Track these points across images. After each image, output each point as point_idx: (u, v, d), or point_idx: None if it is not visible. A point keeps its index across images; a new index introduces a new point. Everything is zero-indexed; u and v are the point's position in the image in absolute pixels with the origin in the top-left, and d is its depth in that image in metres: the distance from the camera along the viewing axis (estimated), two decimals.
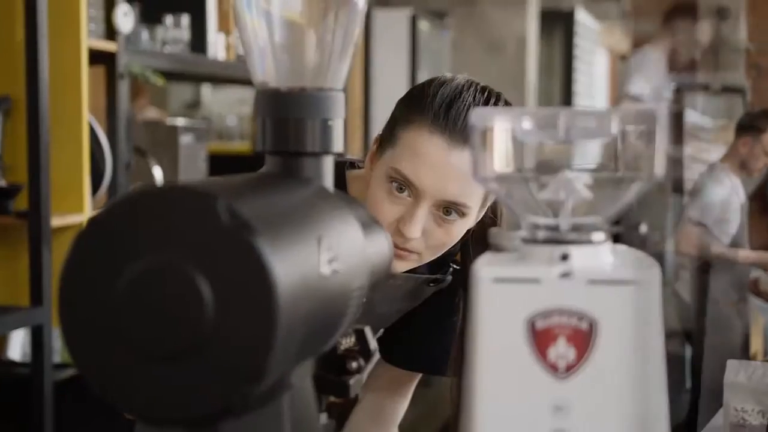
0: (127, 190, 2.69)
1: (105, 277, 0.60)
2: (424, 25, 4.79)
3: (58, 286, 0.62)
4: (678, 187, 4.51)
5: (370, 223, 0.82)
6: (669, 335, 4.05)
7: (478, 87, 1.24)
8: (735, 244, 4.05)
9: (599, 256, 0.68)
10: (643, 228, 3.75)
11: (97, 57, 2.56)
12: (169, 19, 2.97)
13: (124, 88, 2.62)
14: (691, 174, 4.46)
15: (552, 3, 6.51)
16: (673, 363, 4.53)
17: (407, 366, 1.46)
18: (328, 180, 0.79)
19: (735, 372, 1.96)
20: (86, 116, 2.43)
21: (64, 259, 0.62)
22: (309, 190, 0.74)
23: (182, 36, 2.97)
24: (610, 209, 0.70)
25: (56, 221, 2.35)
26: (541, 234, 0.69)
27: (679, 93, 4.49)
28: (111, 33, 2.59)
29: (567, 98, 7.26)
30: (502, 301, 0.66)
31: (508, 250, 0.74)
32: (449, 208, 1.22)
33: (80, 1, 2.41)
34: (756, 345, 4.19)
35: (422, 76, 5.96)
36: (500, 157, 0.70)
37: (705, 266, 4.01)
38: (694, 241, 3.99)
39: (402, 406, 1.48)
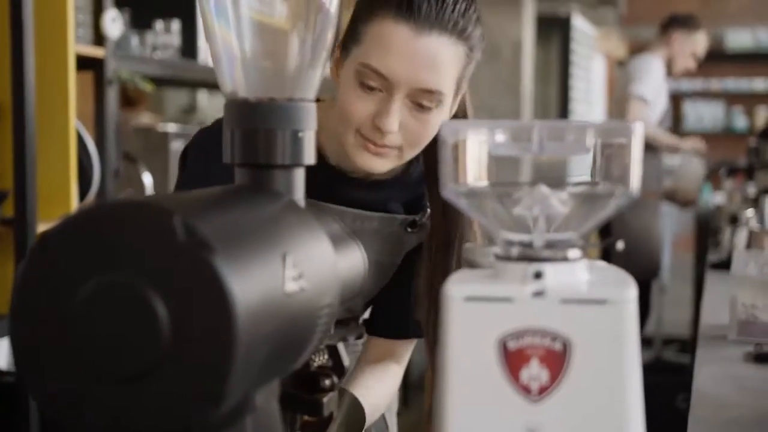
0: (115, 196, 2.67)
1: (58, 295, 0.58)
2: None
3: (9, 304, 0.60)
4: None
5: (341, 237, 0.80)
6: None
7: None
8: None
9: (574, 273, 0.66)
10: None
11: (85, 62, 2.53)
12: (159, 25, 2.95)
13: (112, 94, 2.59)
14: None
15: (548, 8, 6.50)
16: None
17: (395, 335, 1.45)
18: (299, 192, 0.77)
19: (743, 263, 1.84)
20: (73, 122, 2.40)
21: (16, 275, 0.60)
22: (277, 204, 0.71)
23: (172, 41, 2.95)
24: (587, 225, 0.67)
25: (43, 228, 2.32)
26: (515, 251, 0.66)
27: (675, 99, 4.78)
28: (99, 39, 2.57)
29: (564, 104, 7.24)
30: (473, 321, 0.64)
31: (482, 266, 0.72)
32: (423, 101, 1.20)
33: (68, 6, 2.39)
34: None
35: None
36: (472, 171, 0.67)
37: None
38: (644, 119, 4.20)
39: (401, 372, 1.46)
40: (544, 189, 0.67)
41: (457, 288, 0.64)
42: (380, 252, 1.36)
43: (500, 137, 0.66)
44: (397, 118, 1.19)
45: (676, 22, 4.36)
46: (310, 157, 0.77)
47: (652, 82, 4.26)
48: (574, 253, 0.66)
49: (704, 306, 2.22)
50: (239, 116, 0.76)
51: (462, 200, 0.67)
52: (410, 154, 1.25)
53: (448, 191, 0.67)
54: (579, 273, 0.66)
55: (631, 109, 4.19)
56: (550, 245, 0.66)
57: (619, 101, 4.32)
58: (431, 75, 1.18)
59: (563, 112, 7.19)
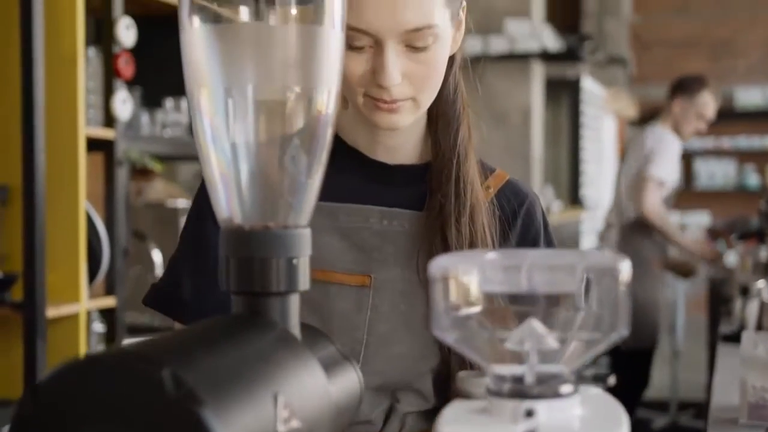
0: (124, 276, 2.68)
1: None
2: None
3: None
4: None
5: (336, 361, 0.80)
6: None
7: None
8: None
9: (567, 410, 0.65)
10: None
11: (95, 144, 2.56)
12: (169, 103, 2.98)
13: (122, 174, 2.62)
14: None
15: (557, 71, 6.54)
16: None
17: None
18: (294, 319, 0.77)
19: (752, 344, 1.80)
20: (83, 205, 2.42)
21: (10, 423, 0.60)
22: (269, 337, 0.72)
23: (182, 119, 2.98)
24: (579, 359, 0.67)
25: (52, 312, 2.33)
26: (506, 387, 0.66)
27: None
28: (110, 119, 2.60)
29: (574, 166, 7.26)
30: None
31: (476, 397, 0.72)
32: (416, 42, 1.10)
33: (78, 88, 2.42)
34: None
35: None
36: (461, 306, 0.68)
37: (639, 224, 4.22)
38: (658, 204, 4.17)
39: None
40: (535, 324, 0.67)
41: (449, 428, 0.64)
42: (410, 262, 1.18)
43: (489, 274, 0.66)
44: (395, 69, 1.10)
45: (677, 88, 4.37)
46: (305, 283, 0.78)
47: (670, 161, 4.26)
48: (566, 388, 0.66)
49: (715, 385, 2.20)
50: (234, 244, 0.77)
51: (451, 334, 0.67)
52: (427, 99, 1.15)
53: (437, 326, 0.67)
54: (571, 409, 0.66)
55: (648, 191, 4.17)
56: (541, 380, 0.66)
57: (635, 178, 4.28)
58: (412, 13, 1.09)
59: (574, 173, 7.21)
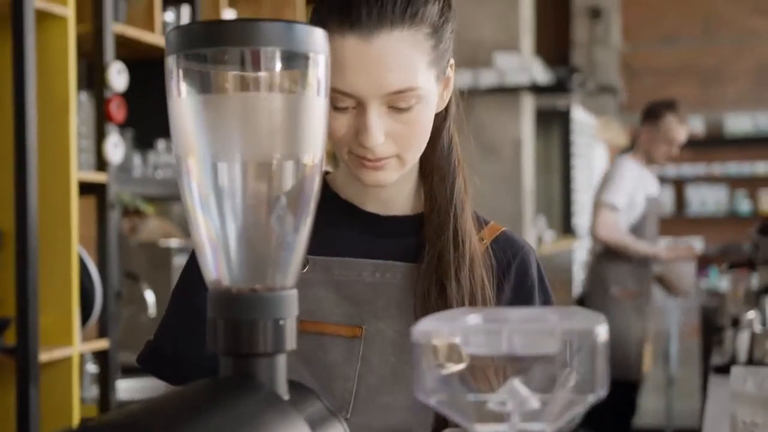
0: (117, 318, 2.69)
1: None
2: None
3: None
4: None
5: (324, 418, 0.82)
6: None
7: None
8: (636, 235, 4.33)
9: None
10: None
11: (88, 187, 2.58)
12: (161, 144, 3.00)
13: (114, 217, 2.63)
14: None
15: (548, 102, 6.59)
16: None
17: None
18: (281, 379, 0.79)
19: (742, 380, 1.80)
20: (76, 249, 2.44)
21: None
22: (256, 399, 0.73)
23: (174, 160, 3.00)
24: (560, 419, 0.69)
25: (44, 356, 2.33)
26: None
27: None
28: (102, 163, 2.62)
29: (566, 195, 7.29)
30: None
31: None
32: (399, 103, 1.11)
33: (70, 133, 2.44)
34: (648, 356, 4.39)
35: None
36: (444, 368, 0.69)
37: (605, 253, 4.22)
38: (612, 225, 4.17)
39: None
40: (517, 384, 0.69)
41: None
42: (402, 314, 1.19)
43: (472, 336, 0.68)
44: (377, 130, 1.11)
45: (644, 116, 4.41)
46: (291, 343, 0.79)
47: (624, 187, 4.25)
48: None
49: (706, 418, 2.21)
50: (222, 307, 0.78)
51: (434, 396, 0.69)
52: (412, 156, 1.17)
53: (420, 388, 0.69)
54: None
55: (600, 217, 4.22)
56: None
57: (594, 205, 4.36)
58: (395, 75, 1.10)
59: (566, 203, 7.24)
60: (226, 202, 0.79)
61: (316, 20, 1.14)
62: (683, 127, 4.35)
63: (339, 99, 1.11)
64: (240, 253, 0.80)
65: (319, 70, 0.79)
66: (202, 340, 1.01)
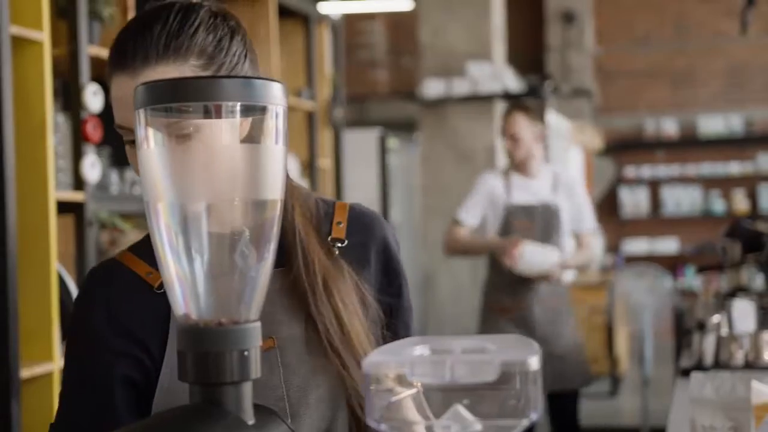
0: None
1: None
2: (393, 142, 4.91)
3: None
4: None
5: None
6: None
7: (155, 7, 1.19)
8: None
9: None
10: None
11: (66, 206, 2.63)
12: None
13: (92, 235, 2.69)
14: None
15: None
16: None
17: None
18: (247, 405, 0.85)
19: (701, 385, 1.85)
20: (55, 267, 2.49)
21: None
22: (222, 426, 0.80)
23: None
24: None
25: (25, 372, 2.39)
26: None
27: None
28: (79, 182, 2.67)
29: None
30: None
31: None
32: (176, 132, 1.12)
33: (48, 154, 2.49)
34: None
35: (393, 191, 6.08)
36: (392, 396, 0.76)
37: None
38: (455, 237, 4.00)
39: None
40: (460, 409, 0.76)
41: None
42: (296, 316, 1.25)
43: (418, 367, 0.75)
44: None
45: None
46: (257, 371, 0.86)
47: (470, 199, 4.12)
48: None
49: (670, 423, 2.27)
50: (190, 340, 0.85)
51: (384, 422, 0.75)
52: None
53: (371, 415, 0.75)
54: None
55: (448, 230, 4.16)
56: None
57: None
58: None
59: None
60: (192, 242, 0.86)
61: (107, 70, 1.21)
62: (505, 118, 4.13)
63: (126, 134, 1.18)
64: (206, 289, 0.86)
65: (277, 121, 0.85)
66: (109, 410, 1.02)
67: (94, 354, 1.22)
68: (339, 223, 1.30)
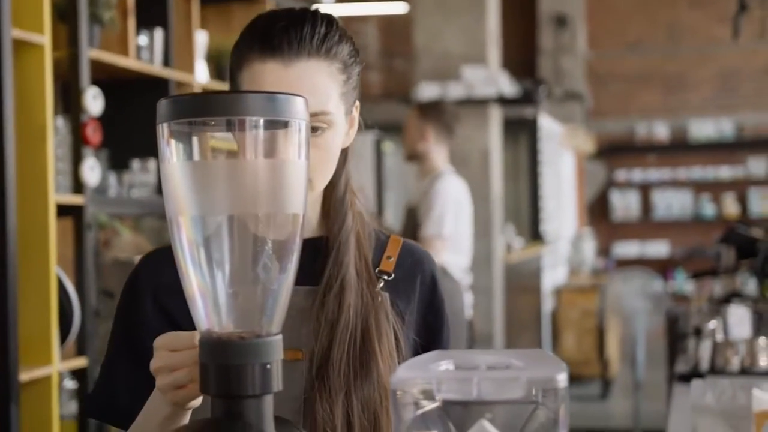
0: (95, 336, 2.74)
1: None
2: (388, 146, 4.91)
3: None
4: None
5: None
6: None
7: (294, 8, 1.23)
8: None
9: None
10: None
11: (65, 209, 2.63)
12: (136, 164, 3.06)
13: (91, 238, 2.68)
14: None
15: (515, 112, 6.67)
16: None
17: None
18: (268, 417, 0.86)
19: (701, 393, 1.85)
20: (54, 270, 2.48)
21: None
22: None
23: (149, 179, 3.06)
24: None
25: (24, 375, 2.38)
26: None
27: None
28: (78, 186, 2.67)
29: (534, 202, 7.39)
30: None
31: None
32: (313, 122, 1.17)
33: (48, 157, 2.49)
34: None
35: (388, 195, 6.08)
36: (418, 410, 0.76)
37: None
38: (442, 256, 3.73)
39: None
40: (486, 424, 0.76)
41: None
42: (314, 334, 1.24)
43: (445, 384, 0.75)
44: None
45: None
46: (278, 385, 0.86)
47: (433, 207, 3.80)
48: None
49: (669, 428, 2.28)
50: (213, 353, 0.85)
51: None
52: (320, 182, 1.23)
53: (398, 429, 0.76)
54: None
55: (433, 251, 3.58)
56: None
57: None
58: (310, 98, 1.11)
59: (534, 210, 7.34)
60: (214, 256, 0.86)
61: (238, 52, 1.22)
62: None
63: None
64: (229, 303, 0.86)
65: (300, 135, 0.86)
66: (147, 378, 1.04)
67: (135, 336, 1.24)
68: (389, 257, 1.31)
